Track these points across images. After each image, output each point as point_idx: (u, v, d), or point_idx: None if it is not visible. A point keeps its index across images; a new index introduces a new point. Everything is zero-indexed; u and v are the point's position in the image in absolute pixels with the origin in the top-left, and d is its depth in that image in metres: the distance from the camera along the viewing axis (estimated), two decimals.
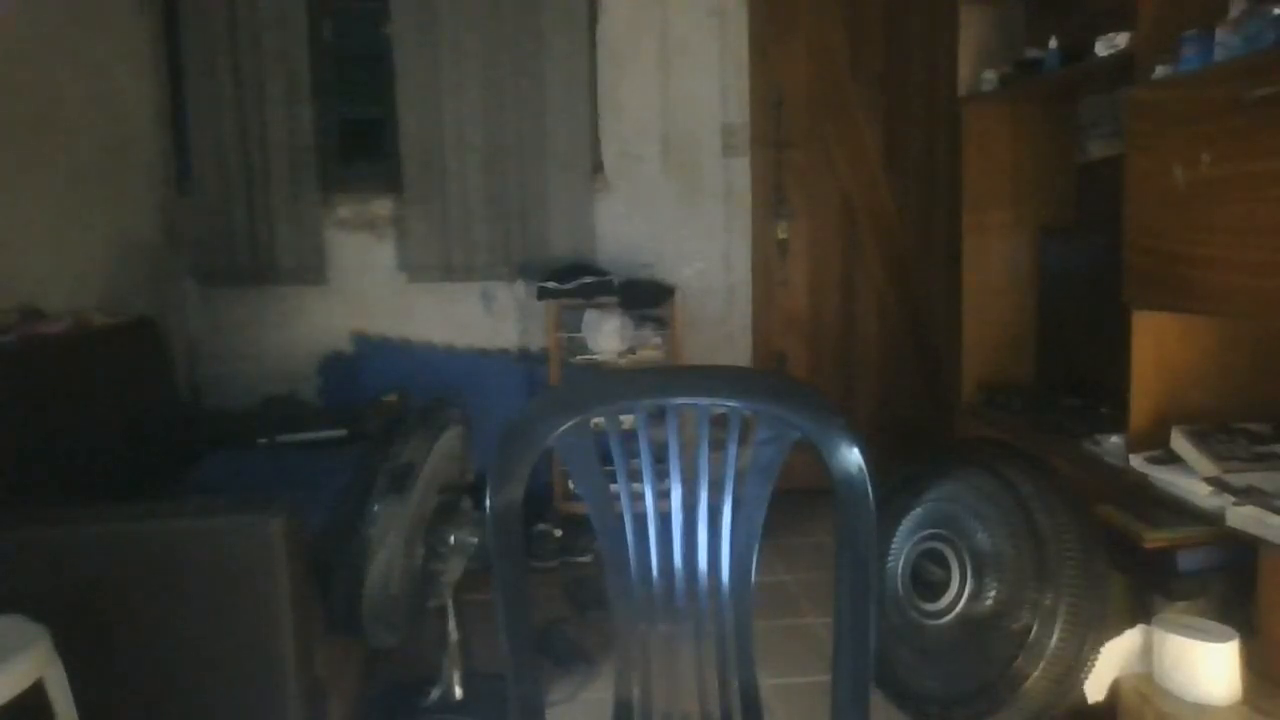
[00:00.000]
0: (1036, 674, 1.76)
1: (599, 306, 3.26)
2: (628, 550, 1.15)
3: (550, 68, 3.45)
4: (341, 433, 2.82)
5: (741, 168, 3.66)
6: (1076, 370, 2.69)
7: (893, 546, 2.09)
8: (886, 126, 3.73)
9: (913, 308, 3.81)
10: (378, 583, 1.80)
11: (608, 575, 1.16)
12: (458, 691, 2.13)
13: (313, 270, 3.49)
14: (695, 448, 1.16)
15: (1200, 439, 1.91)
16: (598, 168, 3.57)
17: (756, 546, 1.14)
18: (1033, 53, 2.62)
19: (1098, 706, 1.75)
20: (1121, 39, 2.14)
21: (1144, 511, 1.85)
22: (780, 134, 3.67)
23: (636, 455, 1.14)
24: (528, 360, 3.59)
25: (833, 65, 3.67)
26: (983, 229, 2.96)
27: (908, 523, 2.08)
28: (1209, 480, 1.80)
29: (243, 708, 1.64)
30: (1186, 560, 1.77)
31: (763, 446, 1.11)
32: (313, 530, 1.75)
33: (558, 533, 3.13)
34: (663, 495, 1.16)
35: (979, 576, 1.89)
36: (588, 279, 3.27)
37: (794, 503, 2.26)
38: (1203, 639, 1.60)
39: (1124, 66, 2.11)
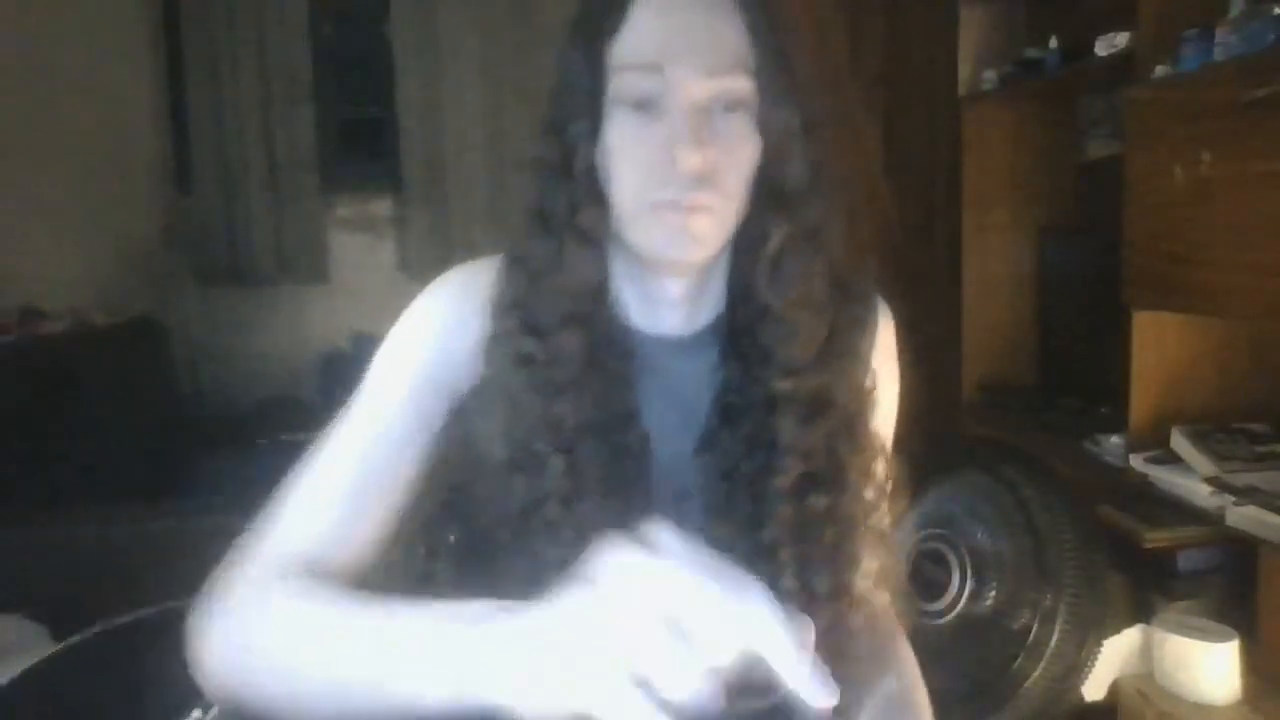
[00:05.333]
0: (1036, 674, 1.76)
1: None
2: None
3: (550, 66, 3.45)
4: None
5: None
6: (1077, 370, 2.69)
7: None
8: (886, 128, 3.72)
9: (913, 309, 3.80)
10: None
11: None
12: None
13: (313, 270, 3.49)
14: None
15: (1200, 439, 1.91)
16: None
17: None
18: (1033, 52, 2.62)
19: (1098, 706, 1.75)
20: (1121, 39, 2.14)
21: (1144, 511, 1.85)
22: None
23: None
24: None
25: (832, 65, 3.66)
26: (983, 229, 2.96)
27: (907, 522, 2.08)
28: (1209, 480, 1.80)
29: None
30: (1186, 560, 1.77)
31: None
32: None
33: None
34: None
35: (979, 576, 1.89)
36: None
37: None
38: (1203, 639, 1.60)
39: (1124, 66, 2.11)
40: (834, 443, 0.82)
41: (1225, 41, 1.72)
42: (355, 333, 3.54)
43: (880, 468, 0.87)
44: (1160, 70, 1.90)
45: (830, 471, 0.81)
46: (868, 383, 0.87)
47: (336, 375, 3.55)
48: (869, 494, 0.86)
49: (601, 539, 0.77)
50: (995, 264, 2.96)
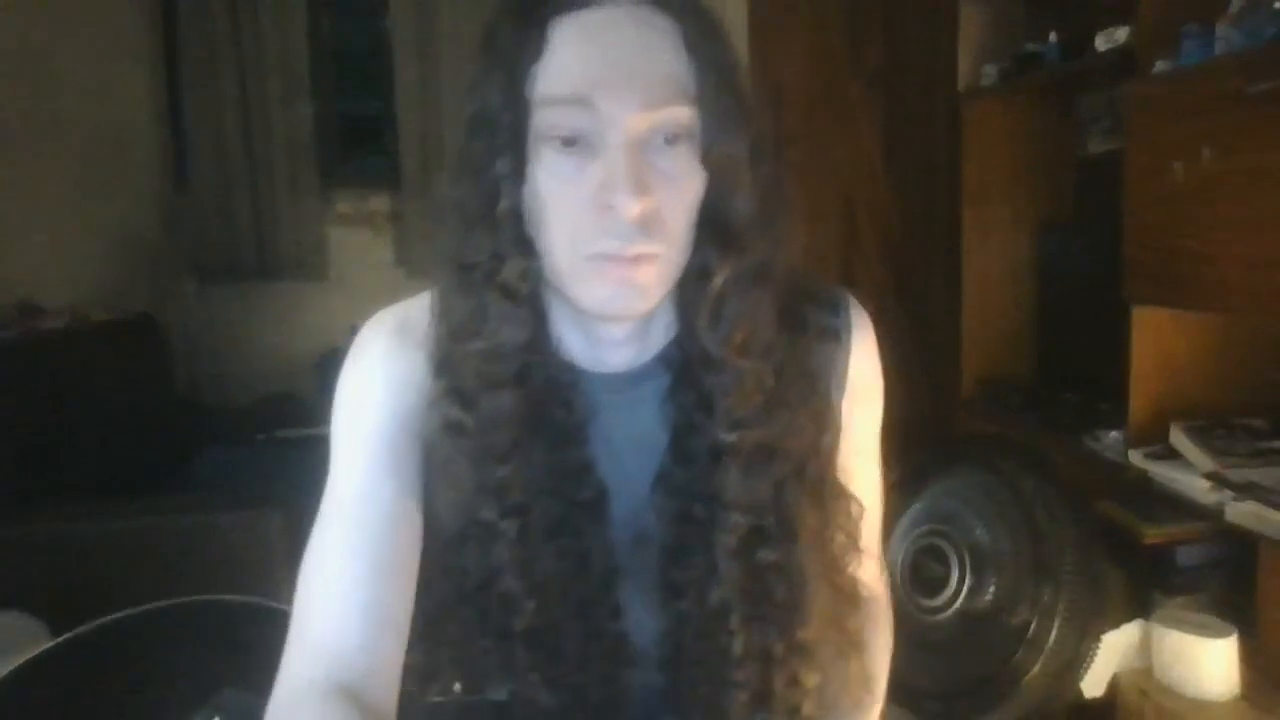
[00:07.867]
0: (1036, 669, 1.76)
1: None
2: None
3: None
4: None
5: None
6: (1076, 366, 2.69)
7: (891, 542, 2.09)
8: (886, 126, 3.72)
9: (913, 306, 3.80)
10: None
11: None
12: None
13: (311, 266, 3.48)
14: None
15: (1199, 435, 1.91)
16: None
17: None
18: (1032, 48, 2.62)
19: (1096, 701, 1.76)
20: (1121, 33, 2.14)
21: (1143, 507, 1.85)
22: (779, 133, 3.66)
23: None
24: None
25: (832, 64, 3.66)
26: (982, 225, 2.95)
27: (906, 519, 2.08)
28: (1208, 476, 1.80)
29: None
30: (1185, 556, 1.77)
31: None
32: (312, 526, 1.75)
33: None
34: None
35: (978, 572, 1.89)
36: None
37: None
38: (1201, 634, 1.60)
39: (1124, 61, 2.11)
40: (784, 492, 0.75)
41: (1225, 36, 1.72)
42: (353, 329, 3.53)
43: (849, 511, 0.80)
44: (1160, 65, 1.90)
45: (780, 523, 0.74)
46: (836, 405, 0.81)
47: (334, 371, 3.54)
48: (838, 540, 0.79)
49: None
50: (995, 259, 2.96)
